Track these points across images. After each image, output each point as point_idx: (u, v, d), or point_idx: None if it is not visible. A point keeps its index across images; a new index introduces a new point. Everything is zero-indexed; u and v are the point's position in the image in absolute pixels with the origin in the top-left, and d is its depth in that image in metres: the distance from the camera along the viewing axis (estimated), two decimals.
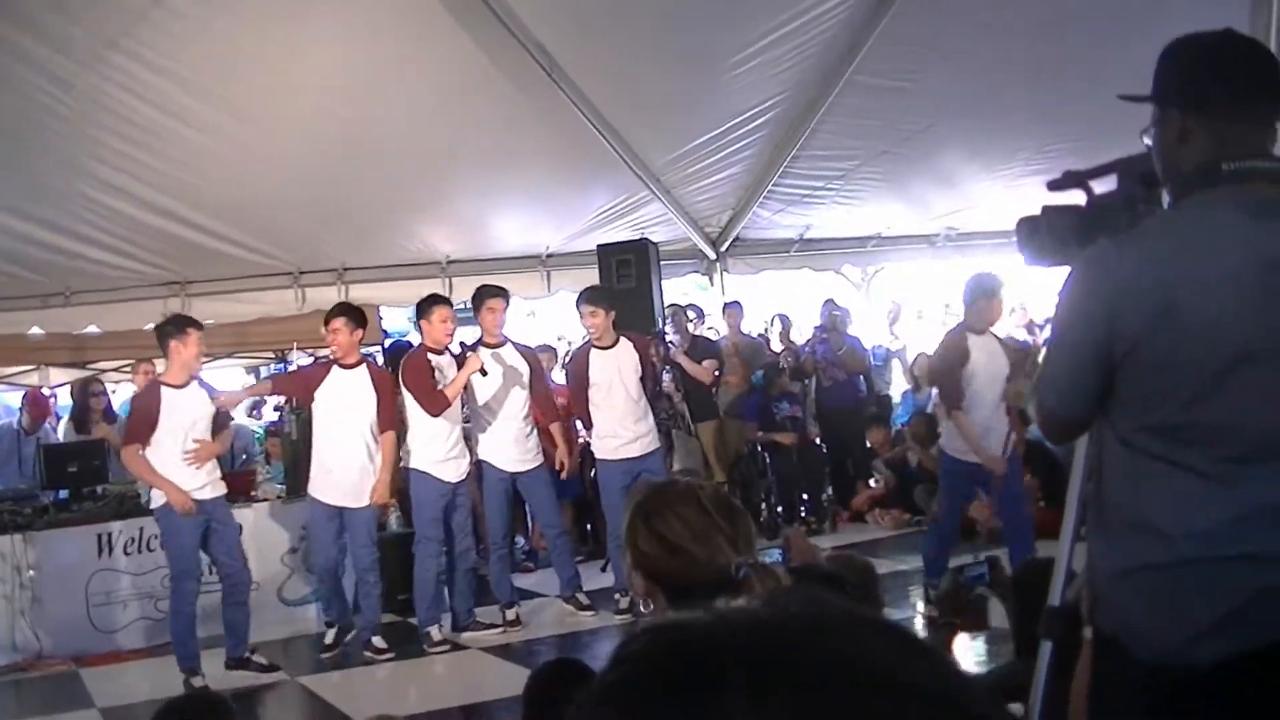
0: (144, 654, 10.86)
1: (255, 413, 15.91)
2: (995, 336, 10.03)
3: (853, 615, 1.01)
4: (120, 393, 14.32)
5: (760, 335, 16.54)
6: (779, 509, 14.40)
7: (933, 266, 18.31)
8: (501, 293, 11.09)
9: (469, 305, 11.63)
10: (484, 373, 10.48)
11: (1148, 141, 3.30)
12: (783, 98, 13.56)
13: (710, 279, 16.60)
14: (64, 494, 11.65)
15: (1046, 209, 3.51)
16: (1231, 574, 3.01)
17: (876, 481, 15.19)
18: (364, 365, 10.51)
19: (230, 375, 14.53)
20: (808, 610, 1.00)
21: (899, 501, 14.45)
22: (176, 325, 9.81)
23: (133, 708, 8.76)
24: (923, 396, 16.32)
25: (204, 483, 9.61)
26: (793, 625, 0.98)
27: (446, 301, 11.00)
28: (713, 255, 16.22)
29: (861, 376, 16.05)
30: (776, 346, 16.16)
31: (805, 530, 12.88)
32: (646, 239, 14.35)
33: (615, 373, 10.91)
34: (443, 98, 12.76)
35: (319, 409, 10.30)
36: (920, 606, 9.67)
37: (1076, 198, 3.48)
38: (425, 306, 10.74)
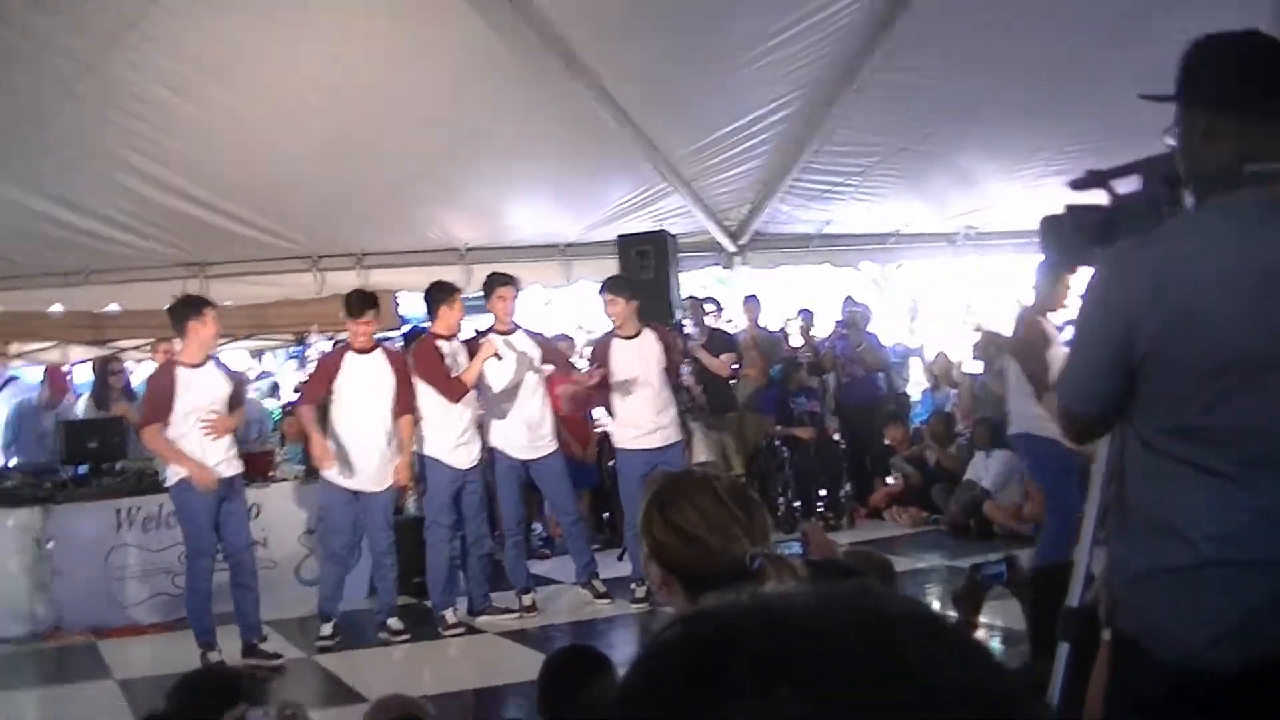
0: (161, 628, 10.96)
1: (275, 394, 15.95)
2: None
3: (910, 611, 1.01)
4: (139, 371, 14.34)
5: (779, 330, 16.54)
6: (796, 504, 14.40)
7: (952, 265, 18.30)
8: (512, 280, 11.08)
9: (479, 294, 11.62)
10: (499, 357, 10.51)
11: (1170, 141, 3.29)
12: (804, 92, 13.55)
13: (729, 272, 16.61)
14: (83, 469, 11.70)
15: (1069, 208, 3.52)
16: (1253, 577, 3.00)
17: (894, 479, 15.19)
18: (379, 350, 10.53)
19: (236, 357, 14.49)
20: (858, 602, 1.01)
21: (916, 500, 14.46)
22: (193, 305, 9.81)
23: (149, 680, 8.79)
24: (941, 395, 16.33)
25: (220, 459, 9.63)
26: (842, 617, 0.99)
27: (459, 289, 11.03)
28: (731, 248, 16.24)
29: (881, 374, 16.04)
30: (796, 341, 16.17)
31: (822, 526, 12.88)
32: (665, 231, 14.37)
33: (637, 363, 10.90)
34: (464, 85, 12.76)
35: (337, 394, 10.30)
36: (935, 606, 9.69)
37: (1099, 197, 3.48)
38: (444, 292, 10.75)
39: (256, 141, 12.81)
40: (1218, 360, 3.02)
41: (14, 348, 13.85)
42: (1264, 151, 3.12)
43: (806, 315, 16.48)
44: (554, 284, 15.88)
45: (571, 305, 12.39)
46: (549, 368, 11.30)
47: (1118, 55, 11.61)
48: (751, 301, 15.83)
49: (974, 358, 15.85)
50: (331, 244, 14.84)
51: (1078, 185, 3.52)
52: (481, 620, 10.68)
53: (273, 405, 14.53)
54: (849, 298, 16.49)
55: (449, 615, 10.47)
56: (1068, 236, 3.48)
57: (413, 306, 12.36)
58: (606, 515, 14.36)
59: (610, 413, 11.28)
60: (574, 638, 9.82)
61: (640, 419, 10.90)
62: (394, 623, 10.38)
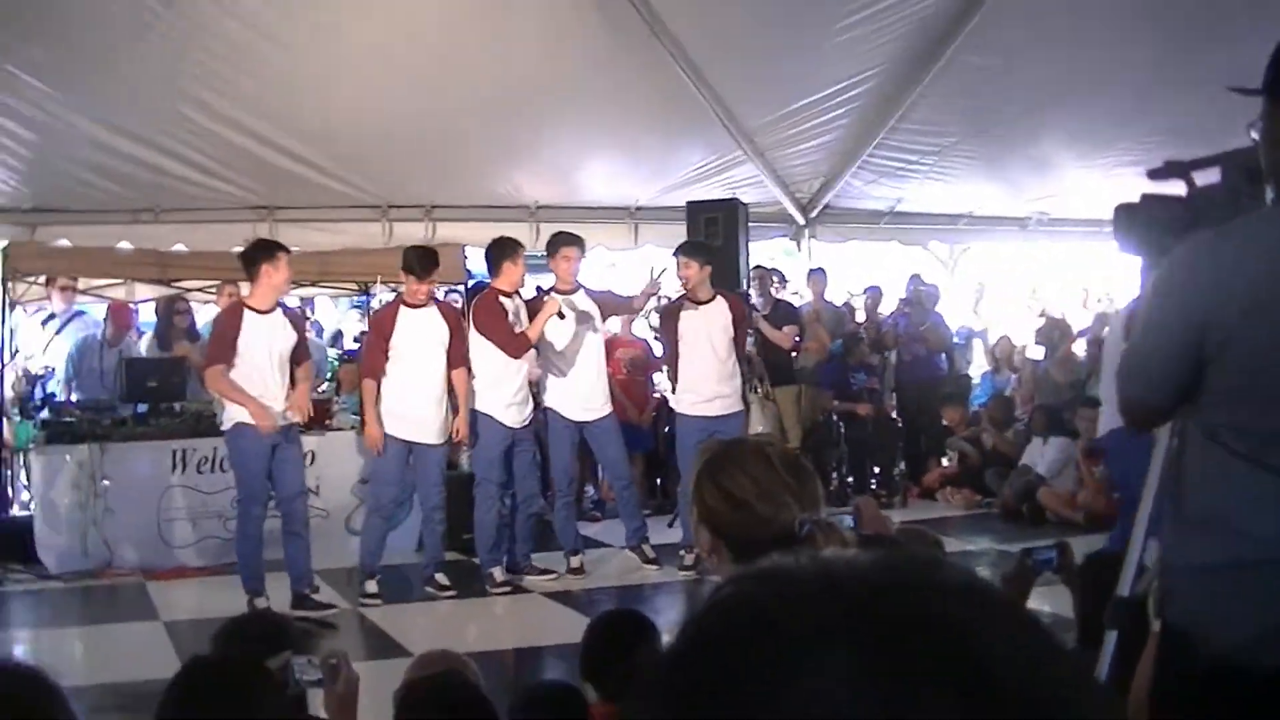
0: (210, 571, 10.99)
1: (337, 343, 15.97)
2: None
3: (970, 586, 0.99)
4: (203, 313, 14.39)
5: (844, 305, 16.47)
6: (850, 479, 14.36)
7: (1022, 249, 18.18)
8: (577, 240, 11.06)
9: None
10: (562, 315, 10.47)
11: (1254, 135, 3.24)
12: (883, 68, 13.49)
13: (798, 244, 16.57)
14: (142, 408, 11.75)
15: (1146, 197, 3.47)
16: None
17: (949, 460, 15.13)
18: (433, 303, 10.49)
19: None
20: (923, 574, 0.98)
21: (970, 482, 14.38)
22: (268, 249, 9.78)
23: (196, 623, 8.81)
24: (1002, 378, 16.24)
25: (279, 408, 9.64)
26: (906, 589, 0.96)
27: (522, 245, 10.99)
28: (801, 221, 16.18)
29: (943, 354, 15.96)
30: (861, 318, 16.10)
31: (875, 502, 12.84)
32: (737, 199, 14.28)
33: (704, 329, 10.85)
34: (540, 40, 12.75)
35: (394, 349, 10.23)
36: None
37: (1177, 189, 3.43)
38: (506, 249, 10.69)
39: (332, 88, 12.85)
40: None
41: (81, 283, 13.92)
42: None
43: (874, 292, 16.41)
44: (621, 247, 15.80)
45: (638, 269, 12.35)
46: (610, 329, 11.27)
47: (1205, 49, 11.50)
48: (818, 275, 15.76)
49: (1036, 343, 15.75)
50: (401, 194, 14.84)
51: (1156, 175, 3.47)
52: (528, 580, 10.70)
53: (333, 353, 14.54)
54: (916, 276, 16.39)
55: (496, 573, 10.47)
56: (1142, 226, 3.44)
57: (480, 262, 12.35)
58: (660, 481, 14.36)
59: (673, 376, 11.24)
60: (620, 602, 9.80)
61: (702, 386, 10.85)
62: (441, 578, 10.39)
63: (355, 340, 14.48)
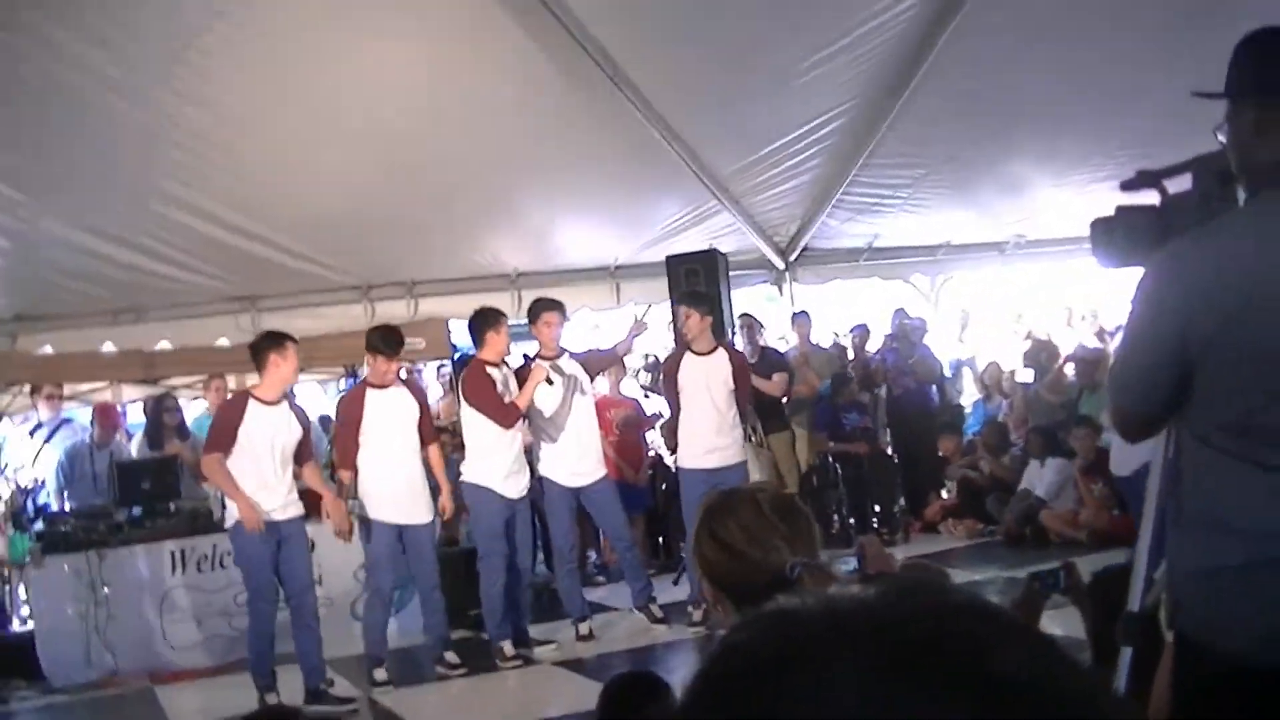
0: (218, 671, 10.95)
1: (327, 428, 15.93)
2: None
3: (975, 606, 0.98)
4: (191, 410, 14.38)
5: (834, 345, 16.49)
6: (851, 519, 14.34)
7: (1001, 273, 18.21)
8: (557, 306, 11.08)
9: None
10: (550, 382, 10.48)
11: (1221, 138, 3.26)
12: (850, 105, 13.50)
13: (779, 289, 16.57)
14: (137, 511, 11.71)
15: (1120, 209, 3.48)
16: None
17: (949, 491, 15.11)
18: (398, 383, 10.43)
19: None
20: (924, 599, 0.97)
21: (971, 511, 14.36)
22: (276, 340, 9.77)
23: None
24: (993, 405, 16.24)
25: (282, 503, 9.59)
26: (907, 615, 0.95)
27: (503, 314, 10.98)
28: (781, 265, 16.21)
29: (934, 386, 15.97)
30: (851, 356, 16.13)
31: (878, 540, 12.79)
32: (715, 249, 14.30)
33: (703, 380, 10.86)
34: (507, 106, 12.75)
35: (365, 433, 10.13)
36: None
37: (1150, 198, 3.44)
38: (489, 319, 10.70)
39: (304, 172, 12.85)
40: (1273, 355, 2.98)
41: (67, 389, 13.90)
42: None
43: (860, 330, 16.43)
44: (603, 306, 15.81)
45: (621, 328, 12.37)
46: (599, 389, 11.26)
47: (1165, 59, 11.53)
48: (802, 318, 15.79)
49: (1025, 366, 15.76)
50: (381, 273, 14.87)
51: (1128, 186, 3.49)
52: (538, 651, 10.63)
53: (325, 439, 14.52)
54: (900, 310, 16.42)
55: (506, 647, 10.41)
56: (1119, 238, 3.44)
57: (464, 335, 12.38)
58: (661, 539, 14.33)
59: (673, 427, 11.21)
60: (632, 664, 9.75)
61: (701, 438, 10.84)
62: (450, 656, 10.32)
63: None
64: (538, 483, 10.92)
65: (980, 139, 14.13)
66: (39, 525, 11.98)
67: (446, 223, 14.24)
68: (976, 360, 17.60)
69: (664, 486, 14.24)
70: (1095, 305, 16.79)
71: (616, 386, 14.49)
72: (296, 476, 9.83)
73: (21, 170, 12.19)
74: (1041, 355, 15.32)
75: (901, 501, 14.75)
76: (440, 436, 10.51)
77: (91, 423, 13.45)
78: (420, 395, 10.66)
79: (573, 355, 11.12)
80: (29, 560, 11.44)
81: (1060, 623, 5.57)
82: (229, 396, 11.44)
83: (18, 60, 11.01)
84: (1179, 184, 3.42)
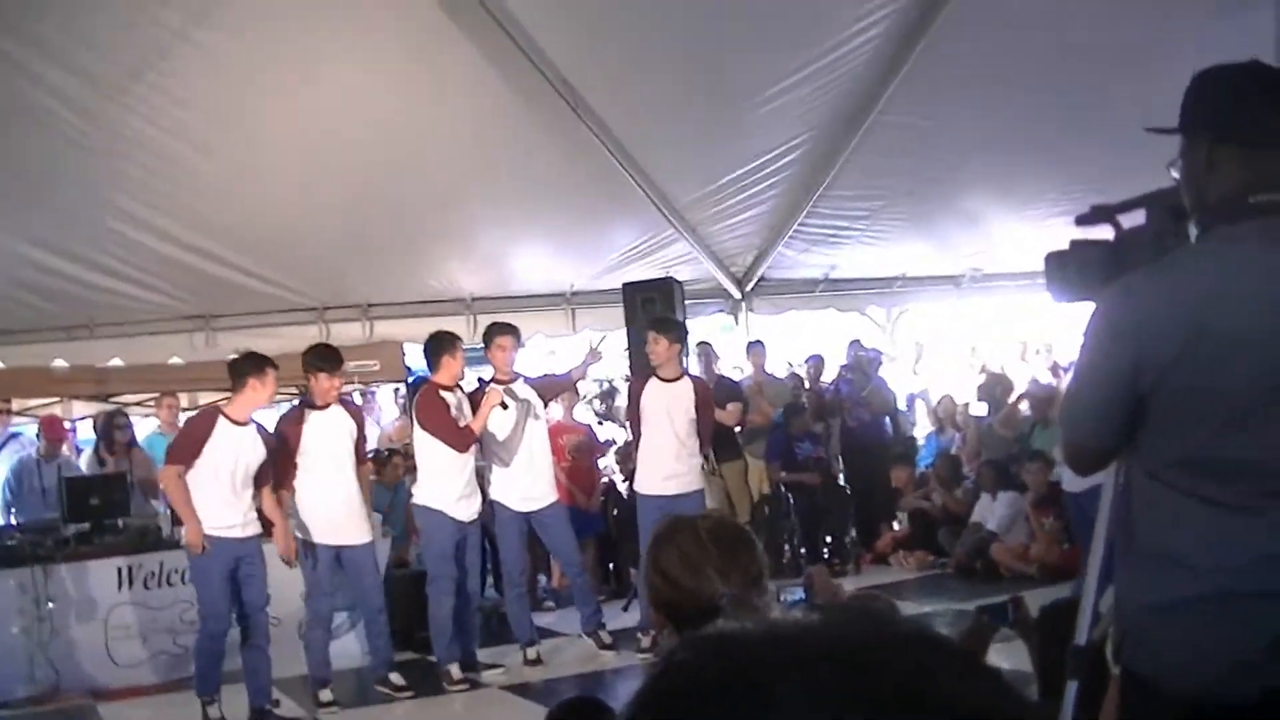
0: (162, 689, 10.85)
1: None
2: None
3: (918, 634, 0.97)
4: (143, 426, 14.31)
5: (791, 374, 16.49)
6: (802, 550, 14.33)
7: (957, 306, 18.25)
8: (512, 330, 11.05)
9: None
10: (504, 406, 10.47)
11: (1175, 174, 3.27)
12: (809, 136, 13.55)
13: (735, 318, 16.58)
14: (85, 526, 11.62)
15: (1074, 244, 3.49)
16: (1260, 610, 2.98)
17: (900, 523, 15.12)
18: (337, 403, 10.38)
19: None
20: (868, 626, 0.97)
21: (922, 543, 14.38)
22: (258, 364, 9.70)
23: None
24: (946, 438, 16.27)
25: (241, 521, 9.52)
26: (850, 641, 0.94)
27: (459, 339, 10.97)
28: (738, 295, 16.22)
29: (887, 417, 15.99)
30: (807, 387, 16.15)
31: (828, 571, 12.80)
32: (672, 278, 14.30)
33: (665, 407, 10.84)
34: (465, 133, 12.78)
35: (304, 453, 10.10)
36: None
37: (1105, 233, 3.45)
38: (443, 343, 10.69)
39: (261, 193, 12.82)
40: (1223, 392, 2.99)
41: (16, 404, 13.81)
42: (1267, 181, 3.10)
43: (815, 360, 16.43)
44: (559, 333, 15.79)
45: (576, 355, 12.36)
46: (552, 415, 11.24)
47: (1123, 93, 11.58)
48: (757, 348, 15.79)
49: (979, 399, 15.80)
50: (336, 295, 14.81)
51: (1083, 221, 3.50)
52: (485, 675, 10.59)
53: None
54: (856, 341, 16.44)
55: (454, 670, 10.36)
56: (1072, 273, 3.45)
57: (419, 358, 12.36)
58: (612, 565, 14.31)
59: (634, 450, 11.23)
60: (580, 690, 9.70)
61: (660, 464, 10.82)
62: (395, 678, 10.28)
63: None
64: (489, 506, 10.89)
65: (938, 172, 14.19)
66: None
67: (403, 246, 14.21)
68: (930, 393, 17.64)
69: (615, 512, 14.23)
70: (1049, 340, 16.85)
71: (570, 412, 14.50)
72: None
73: None
74: (995, 389, 15.35)
75: (853, 533, 14.75)
76: (370, 460, 10.42)
77: (38, 435, 13.36)
78: (358, 416, 10.63)
79: (527, 380, 11.11)
80: None
81: (1008, 657, 5.58)
82: (195, 413, 11.35)
83: None
84: (1133, 219, 3.43)
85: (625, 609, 11.92)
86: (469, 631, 10.81)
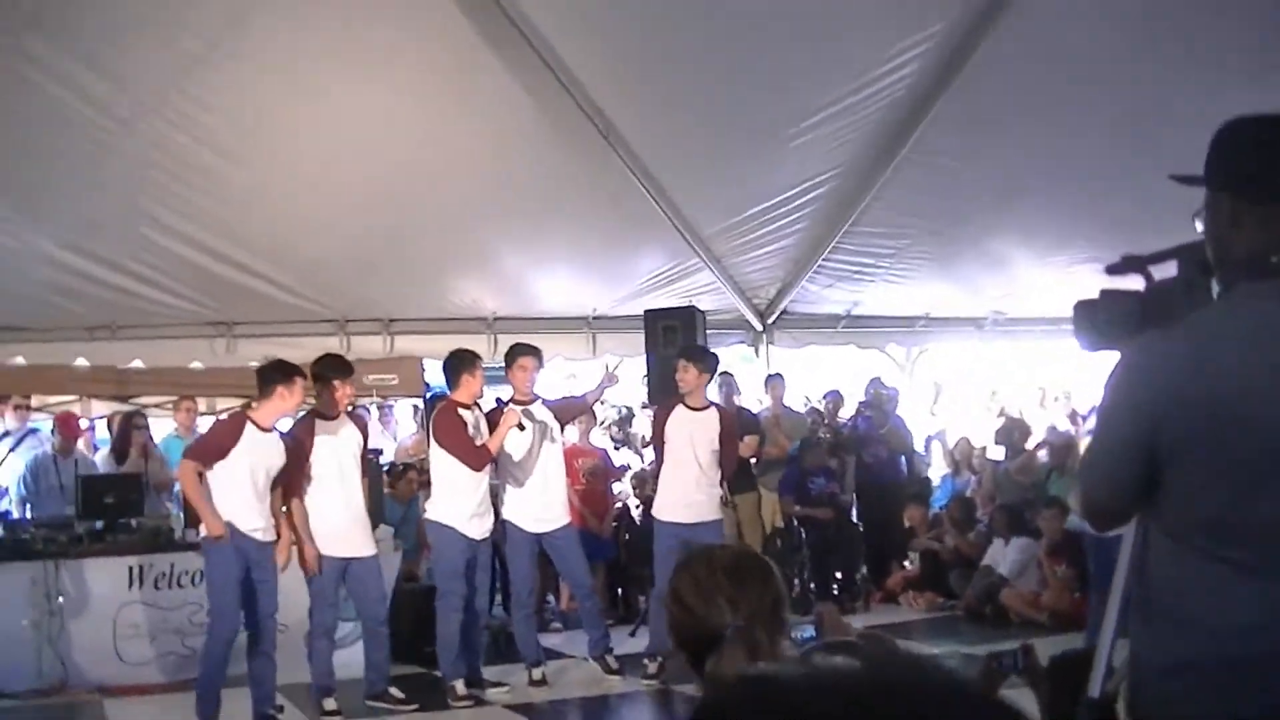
0: (168, 688, 10.84)
1: None
2: None
3: (954, 684, 0.97)
4: (160, 427, 14.35)
5: (809, 409, 16.45)
6: (812, 585, 14.30)
7: (978, 349, 18.23)
8: (534, 351, 11.05)
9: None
10: (521, 427, 10.46)
11: (1200, 226, 3.24)
12: (838, 172, 13.55)
13: (755, 350, 16.56)
14: (99, 524, 11.65)
15: (1104, 293, 3.48)
16: (1277, 672, 2.95)
17: (911, 563, 15.08)
18: (343, 414, 10.36)
19: None
20: (907, 676, 0.97)
21: (933, 584, 14.33)
22: (287, 373, 9.70)
23: None
24: (962, 480, 16.24)
25: (263, 525, 9.53)
26: (891, 691, 0.95)
27: (479, 357, 10.97)
28: (759, 327, 16.21)
29: (903, 456, 15.95)
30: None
31: (837, 608, 12.75)
32: (694, 307, 14.28)
33: (689, 435, 10.84)
34: (494, 152, 12.82)
35: (312, 464, 10.03)
36: None
37: (1135, 283, 3.44)
38: (464, 361, 10.69)
39: (288, 203, 12.88)
40: (1244, 453, 2.96)
41: (36, 400, 13.85)
42: None
43: (833, 396, 16.39)
44: (579, 356, 15.80)
45: (596, 378, 12.35)
46: (569, 438, 11.23)
47: (1156, 140, 11.57)
48: (776, 380, 15.76)
49: (996, 443, 15.75)
50: (359, 308, 14.85)
51: (1114, 270, 3.47)
52: (490, 693, 10.58)
53: None
54: (876, 379, 16.39)
55: (458, 686, 10.35)
56: (1101, 323, 3.44)
57: (438, 374, 12.37)
58: (621, 590, 14.29)
59: (655, 476, 11.24)
60: (584, 714, 9.73)
61: (680, 492, 10.82)
62: (395, 691, 10.26)
63: None
64: (501, 525, 10.87)
65: (965, 213, 14.19)
66: None
67: (427, 262, 14.27)
68: (947, 434, 17.60)
69: (627, 538, 14.23)
70: (1069, 387, 16.83)
71: (586, 436, 14.50)
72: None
73: (6, 183, 12.20)
74: (1013, 433, 15.30)
75: (864, 570, 14.72)
76: (384, 473, 10.38)
77: (53, 432, 13.40)
78: (364, 427, 10.61)
79: (545, 402, 11.11)
80: None
81: (1015, 704, 5.57)
82: (224, 416, 11.36)
83: (12, 78, 11.04)
84: (1164, 271, 3.41)
85: (633, 634, 11.90)
86: (475, 649, 10.78)
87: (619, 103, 12.41)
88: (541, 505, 10.82)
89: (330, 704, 10.04)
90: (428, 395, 14.18)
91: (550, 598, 13.84)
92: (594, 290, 15.27)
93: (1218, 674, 3.00)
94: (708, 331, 14.35)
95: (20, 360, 13.84)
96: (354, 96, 11.83)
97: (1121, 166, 12.70)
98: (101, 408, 14.80)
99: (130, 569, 11.27)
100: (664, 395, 11.79)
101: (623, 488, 15.22)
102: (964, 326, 17.06)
